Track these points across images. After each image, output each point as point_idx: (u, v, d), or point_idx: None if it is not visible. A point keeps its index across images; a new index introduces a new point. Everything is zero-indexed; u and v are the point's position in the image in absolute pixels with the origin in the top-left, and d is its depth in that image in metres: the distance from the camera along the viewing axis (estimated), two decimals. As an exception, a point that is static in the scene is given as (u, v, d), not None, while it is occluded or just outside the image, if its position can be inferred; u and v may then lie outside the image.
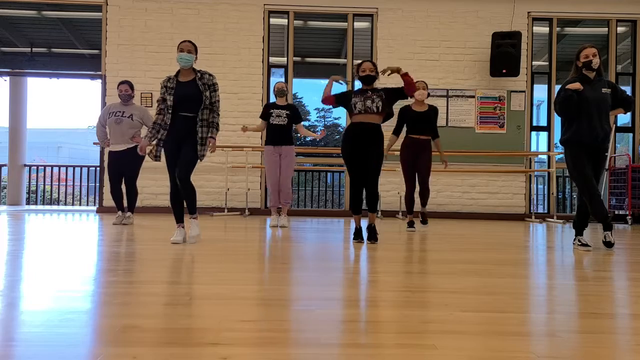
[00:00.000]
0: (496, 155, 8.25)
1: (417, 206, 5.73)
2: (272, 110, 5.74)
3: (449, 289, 2.42)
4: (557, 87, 8.32)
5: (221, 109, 4.35)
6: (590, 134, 4.02)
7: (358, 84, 4.49)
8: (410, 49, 8.41)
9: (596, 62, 4.03)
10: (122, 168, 5.77)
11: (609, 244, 4.10)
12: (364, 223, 4.46)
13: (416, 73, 8.38)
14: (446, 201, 8.29)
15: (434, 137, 5.60)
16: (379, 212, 7.83)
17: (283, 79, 8.51)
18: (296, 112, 5.88)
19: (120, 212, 5.84)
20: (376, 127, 4.31)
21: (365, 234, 4.40)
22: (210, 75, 4.11)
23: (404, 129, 5.62)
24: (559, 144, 4.28)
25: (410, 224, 5.61)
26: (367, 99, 4.26)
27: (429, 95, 5.61)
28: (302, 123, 6.03)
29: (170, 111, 4.00)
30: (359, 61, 4.51)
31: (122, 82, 5.83)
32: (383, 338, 1.63)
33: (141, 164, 5.87)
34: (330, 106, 4.55)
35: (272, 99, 5.96)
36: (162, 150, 4.06)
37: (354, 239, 4.39)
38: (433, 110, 5.57)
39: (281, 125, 5.70)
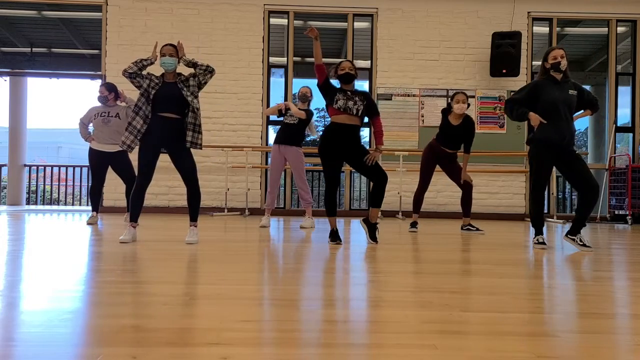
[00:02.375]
0: (496, 155, 8.25)
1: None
2: (288, 111, 5.73)
3: (449, 289, 2.42)
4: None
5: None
6: (557, 134, 4.06)
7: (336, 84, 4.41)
8: (410, 49, 8.40)
9: (564, 64, 4.08)
10: (117, 170, 5.75)
11: (541, 243, 4.17)
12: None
13: (416, 73, 8.41)
14: (446, 201, 8.29)
15: (465, 150, 5.32)
16: (379, 212, 7.82)
17: (283, 79, 8.52)
18: (309, 115, 5.80)
19: (94, 213, 5.81)
20: (357, 129, 4.28)
21: (342, 234, 4.37)
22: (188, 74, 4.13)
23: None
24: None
25: (413, 225, 5.56)
26: (349, 99, 4.20)
27: (468, 105, 5.29)
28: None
29: (149, 104, 3.99)
30: (339, 60, 4.45)
31: (101, 84, 5.81)
32: (383, 338, 1.62)
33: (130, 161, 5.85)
34: (316, 80, 4.29)
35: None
36: (139, 144, 4.02)
37: (331, 240, 4.28)
38: (463, 127, 5.28)
39: (291, 125, 5.65)
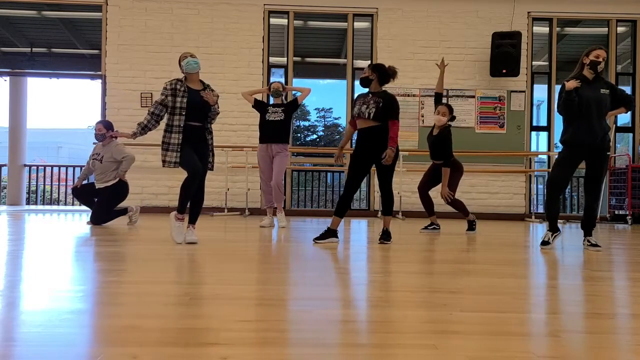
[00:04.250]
0: (496, 155, 8.25)
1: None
2: (268, 108, 5.68)
3: (449, 289, 2.42)
4: (557, 87, 8.33)
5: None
6: (590, 134, 4.04)
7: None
8: (410, 49, 8.40)
9: (602, 66, 4.07)
10: (96, 199, 5.72)
11: (545, 243, 4.15)
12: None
13: (416, 73, 8.41)
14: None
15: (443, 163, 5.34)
16: (379, 212, 7.82)
17: (283, 79, 8.51)
18: (292, 102, 5.80)
19: None
20: (373, 129, 4.24)
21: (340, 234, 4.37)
22: (214, 90, 4.14)
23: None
24: (559, 144, 4.31)
25: (471, 225, 5.51)
26: (363, 103, 4.26)
27: (448, 121, 5.38)
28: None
29: (183, 114, 3.93)
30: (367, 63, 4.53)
31: (98, 122, 5.84)
32: (383, 338, 1.62)
33: (114, 202, 5.71)
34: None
35: (272, 98, 5.90)
36: (179, 155, 3.95)
37: (319, 238, 4.21)
38: (439, 137, 5.35)
39: (277, 121, 5.58)
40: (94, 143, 5.95)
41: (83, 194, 5.82)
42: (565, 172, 4.15)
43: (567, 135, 4.15)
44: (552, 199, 4.21)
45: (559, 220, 4.21)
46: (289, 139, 5.78)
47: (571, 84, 3.98)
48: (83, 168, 5.89)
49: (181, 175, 4.14)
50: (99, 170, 5.68)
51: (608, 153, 4.17)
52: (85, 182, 5.93)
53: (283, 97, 5.89)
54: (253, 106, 5.78)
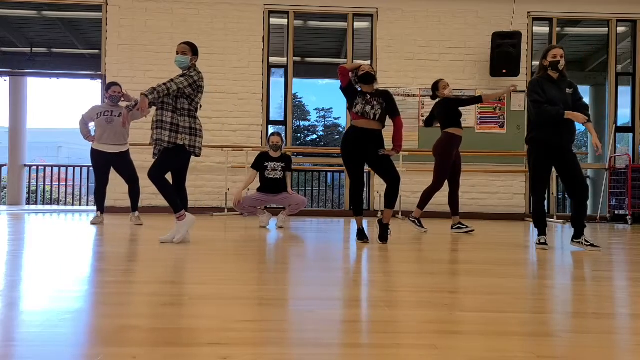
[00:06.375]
0: (496, 155, 8.25)
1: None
2: (266, 164, 5.64)
3: (449, 289, 2.41)
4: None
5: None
6: (556, 133, 4.05)
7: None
8: (410, 49, 8.41)
9: (562, 63, 4.09)
10: (120, 171, 5.76)
11: (542, 244, 4.13)
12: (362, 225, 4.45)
13: (416, 73, 8.41)
14: (446, 201, 8.27)
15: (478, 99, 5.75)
16: (379, 212, 7.82)
17: (283, 79, 8.51)
18: (289, 162, 5.77)
19: (99, 213, 5.79)
20: (377, 133, 4.32)
21: (367, 232, 4.40)
22: (194, 71, 4.08)
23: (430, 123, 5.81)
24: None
25: (420, 222, 5.55)
26: (367, 103, 4.24)
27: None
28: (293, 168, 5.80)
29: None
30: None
31: (114, 84, 5.80)
32: (383, 338, 1.62)
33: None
34: (339, 81, 4.41)
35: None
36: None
37: (358, 239, 4.33)
38: (454, 101, 5.64)
39: (276, 179, 5.63)
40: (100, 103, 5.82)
41: (104, 192, 5.81)
42: (544, 174, 4.13)
43: (533, 133, 4.16)
44: (540, 203, 4.18)
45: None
46: (287, 188, 5.76)
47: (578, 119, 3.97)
48: (83, 128, 5.77)
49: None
50: (116, 128, 5.61)
51: (575, 152, 4.16)
52: (94, 184, 5.88)
53: (282, 147, 5.81)
54: (252, 167, 5.74)
